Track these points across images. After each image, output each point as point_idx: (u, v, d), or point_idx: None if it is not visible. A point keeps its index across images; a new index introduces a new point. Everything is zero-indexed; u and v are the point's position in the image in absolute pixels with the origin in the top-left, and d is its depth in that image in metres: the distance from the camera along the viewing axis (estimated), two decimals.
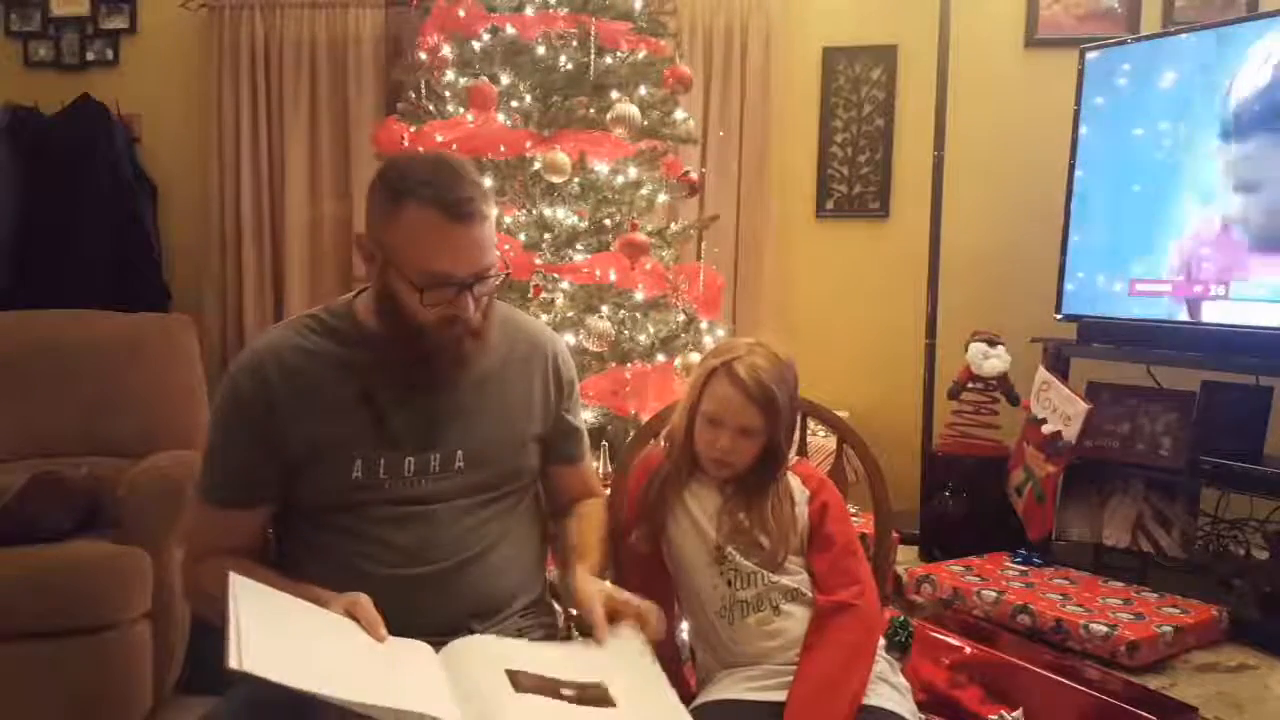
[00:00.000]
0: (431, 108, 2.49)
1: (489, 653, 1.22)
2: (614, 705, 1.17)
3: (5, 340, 2.81)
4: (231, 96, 3.63)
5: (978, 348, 2.98)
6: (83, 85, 3.66)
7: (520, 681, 1.15)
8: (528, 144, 2.31)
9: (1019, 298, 3.17)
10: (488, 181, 2.26)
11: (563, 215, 2.35)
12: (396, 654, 1.17)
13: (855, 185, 3.54)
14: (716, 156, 3.46)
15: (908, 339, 3.30)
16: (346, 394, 1.32)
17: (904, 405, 3.28)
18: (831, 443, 1.94)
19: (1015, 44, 3.37)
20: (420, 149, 2.32)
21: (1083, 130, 2.92)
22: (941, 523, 2.96)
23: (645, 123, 2.42)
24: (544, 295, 2.31)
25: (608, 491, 1.61)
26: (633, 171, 2.42)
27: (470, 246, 1.25)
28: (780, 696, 1.35)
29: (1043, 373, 2.76)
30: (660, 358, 2.35)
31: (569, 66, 2.41)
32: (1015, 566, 2.64)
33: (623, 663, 1.25)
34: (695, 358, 2.36)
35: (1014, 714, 1.98)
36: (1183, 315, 2.65)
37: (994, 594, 2.41)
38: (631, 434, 1.85)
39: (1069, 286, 2.94)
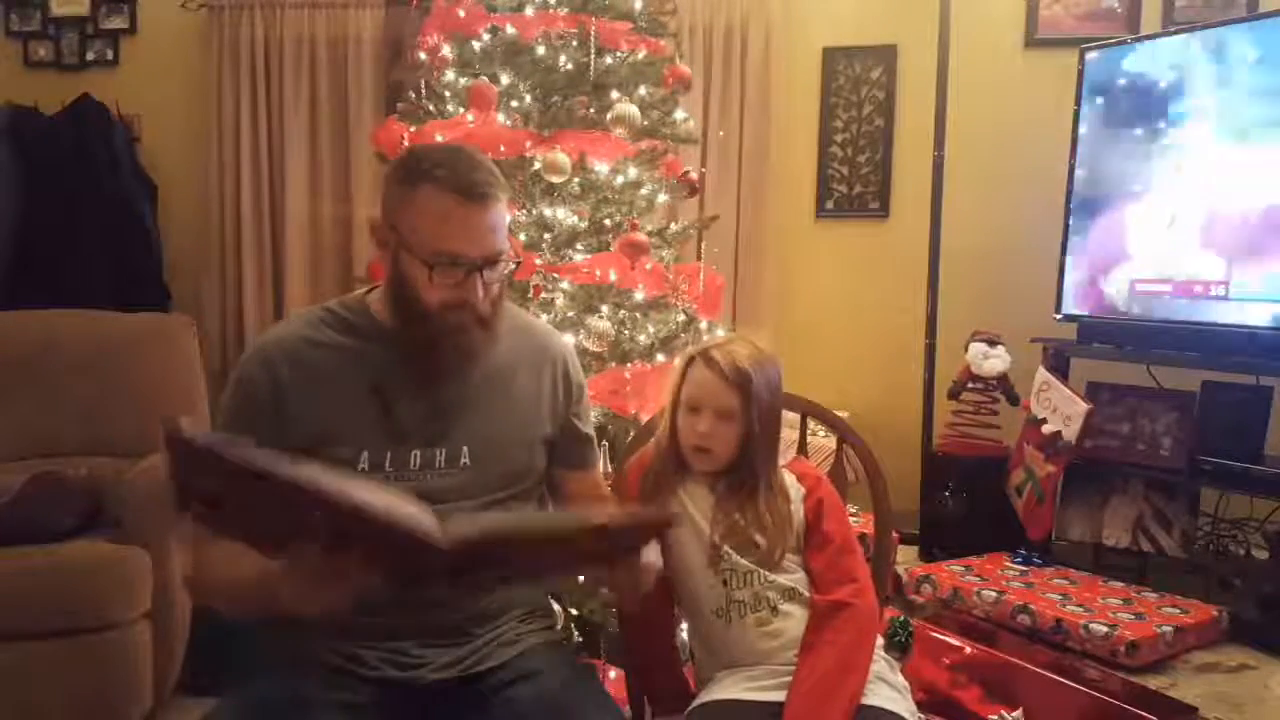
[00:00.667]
0: (431, 108, 2.49)
1: None
2: None
3: (5, 340, 2.81)
4: (231, 96, 3.63)
5: (978, 348, 2.98)
6: (83, 85, 3.66)
7: None
8: (528, 144, 2.31)
9: (1019, 298, 3.16)
10: None
11: (563, 215, 2.35)
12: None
13: (855, 185, 3.54)
14: (716, 156, 3.46)
15: (908, 339, 3.30)
16: (355, 386, 1.32)
17: (904, 405, 3.28)
18: (831, 443, 1.94)
19: (1015, 44, 3.37)
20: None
21: (1083, 130, 2.91)
22: (941, 523, 2.96)
23: (645, 123, 2.41)
24: (544, 295, 2.31)
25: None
26: (633, 171, 2.42)
27: (482, 228, 1.27)
28: (780, 696, 1.35)
29: (1043, 373, 2.76)
30: (660, 358, 2.34)
31: (569, 66, 2.41)
32: (1015, 566, 2.64)
33: None
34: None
35: (1014, 714, 1.98)
36: (1182, 315, 2.65)
37: (994, 594, 2.41)
38: (632, 434, 1.85)
39: (1069, 286, 2.94)
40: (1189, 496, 2.64)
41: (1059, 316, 2.96)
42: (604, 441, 2.30)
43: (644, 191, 2.46)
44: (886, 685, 1.42)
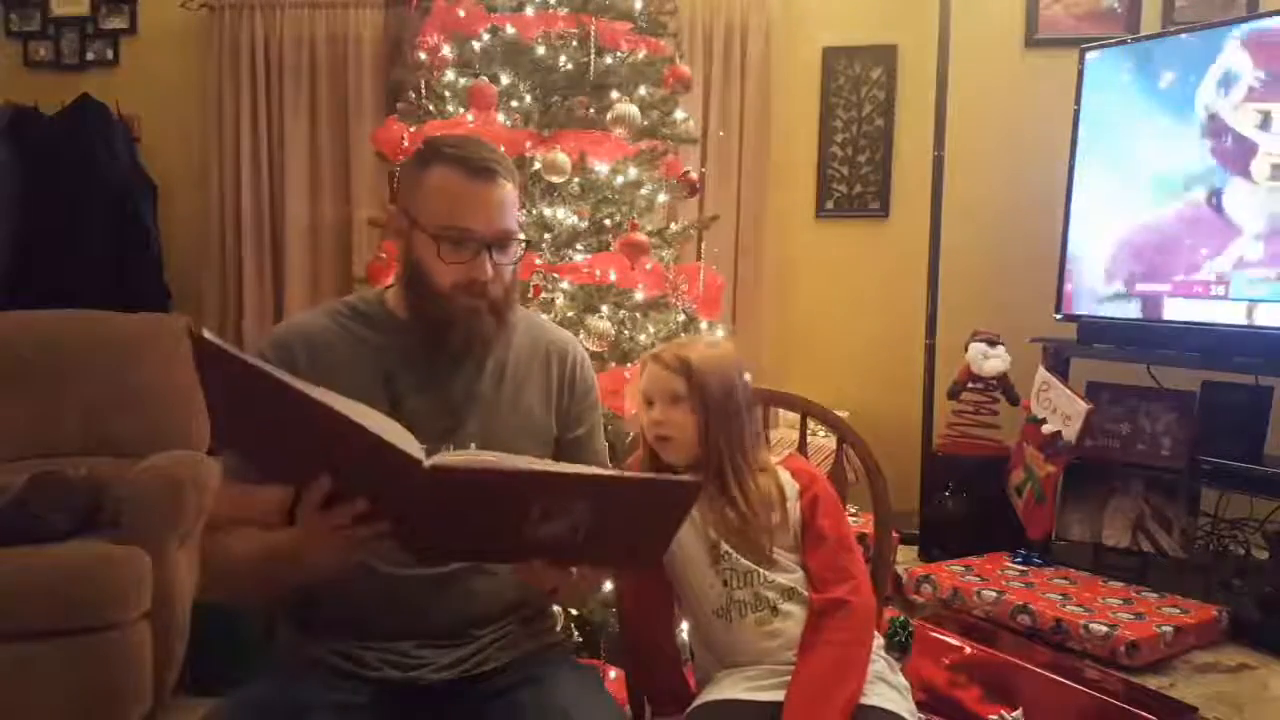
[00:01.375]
0: (431, 108, 2.49)
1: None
2: None
3: (5, 340, 2.82)
4: (231, 96, 3.63)
5: (978, 348, 2.97)
6: (83, 85, 3.66)
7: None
8: (528, 144, 2.31)
9: (1019, 298, 3.16)
10: None
11: (563, 215, 2.35)
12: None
13: (855, 185, 3.54)
14: (716, 156, 3.46)
15: (908, 339, 3.30)
16: (368, 376, 1.33)
17: (904, 405, 3.28)
18: (831, 443, 1.94)
19: (1015, 44, 3.37)
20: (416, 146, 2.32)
21: (1082, 130, 2.91)
22: (941, 523, 2.96)
23: (645, 123, 2.42)
24: (544, 295, 2.31)
25: None
26: (633, 171, 2.42)
27: (489, 204, 1.30)
28: (779, 696, 1.35)
29: (1043, 373, 2.76)
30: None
31: (569, 66, 2.41)
32: (1015, 566, 2.64)
33: None
34: None
35: (1014, 714, 1.98)
36: (1182, 315, 2.64)
37: (994, 594, 2.41)
38: (631, 435, 1.85)
39: (1069, 286, 2.94)
40: (1189, 496, 2.64)
41: (1059, 316, 2.96)
42: (604, 442, 2.30)
43: (644, 191, 2.47)
44: (886, 685, 1.42)
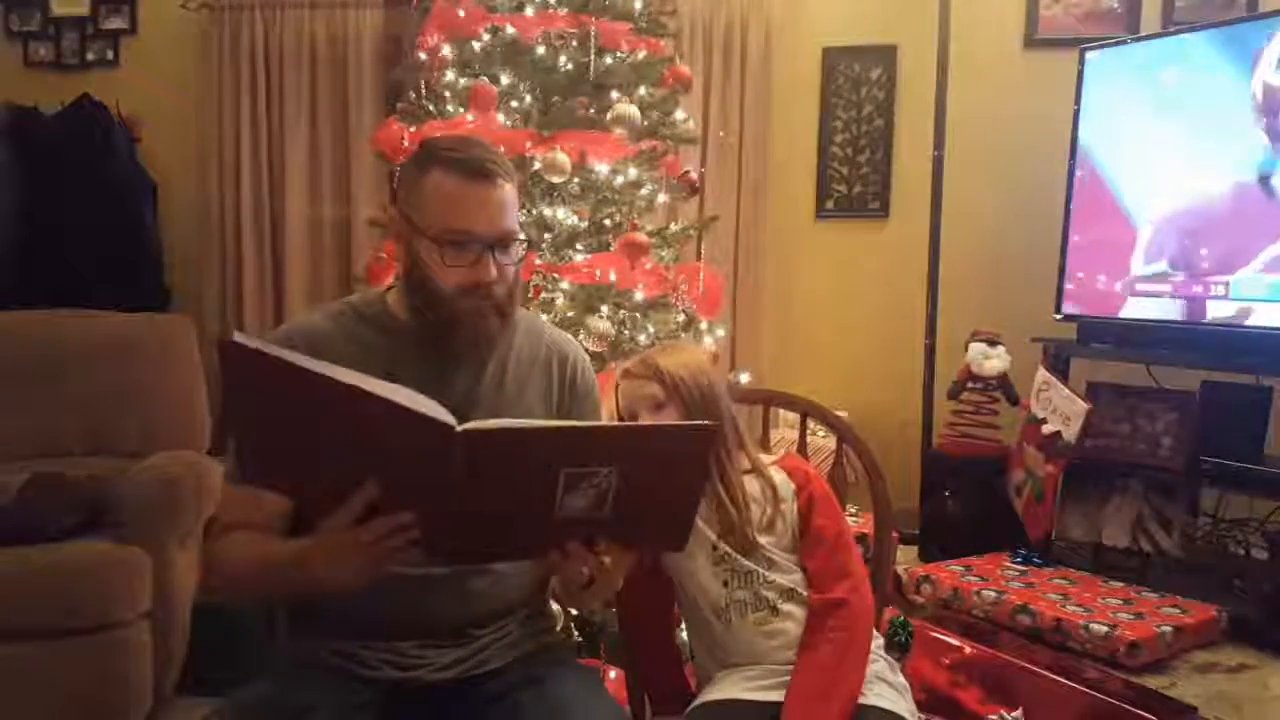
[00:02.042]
0: (431, 108, 2.49)
1: None
2: None
3: (5, 340, 2.81)
4: (231, 96, 3.63)
5: (978, 348, 2.98)
6: (83, 85, 3.66)
7: None
8: (528, 144, 2.31)
9: (1019, 298, 3.17)
10: None
11: (563, 215, 2.35)
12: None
13: (855, 185, 3.54)
14: (716, 156, 3.46)
15: (908, 339, 3.30)
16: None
17: (904, 405, 3.28)
18: (831, 443, 1.94)
19: (1015, 44, 3.37)
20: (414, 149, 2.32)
21: (1082, 130, 2.92)
22: (941, 523, 2.96)
23: (645, 123, 2.42)
24: (544, 295, 2.31)
25: None
26: (633, 171, 2.42)
27: (490, 205, 1.29)
28: (779, 696, 1.35)
29: (1043, 373, 2.76)
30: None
31: (569, 67, 2.41)
32: (1015, 566, 2.64)
33: None
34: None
35: (1014, 714, 1.98)
36: (1183, 315, 2.65)
37: (994, 594, 2.41)
38: None
39: (1069, 286, 2.94)
40: (1189, 496, 2.65)
41: (1059, 316, 2.96)
42: None
43: (644, 191, 2.46)
44: (886, 685, 1.42)
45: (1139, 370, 2.78)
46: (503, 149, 2.27)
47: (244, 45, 3.62)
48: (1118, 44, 2.89)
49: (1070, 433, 2.59)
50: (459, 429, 1.02)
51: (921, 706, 1.58)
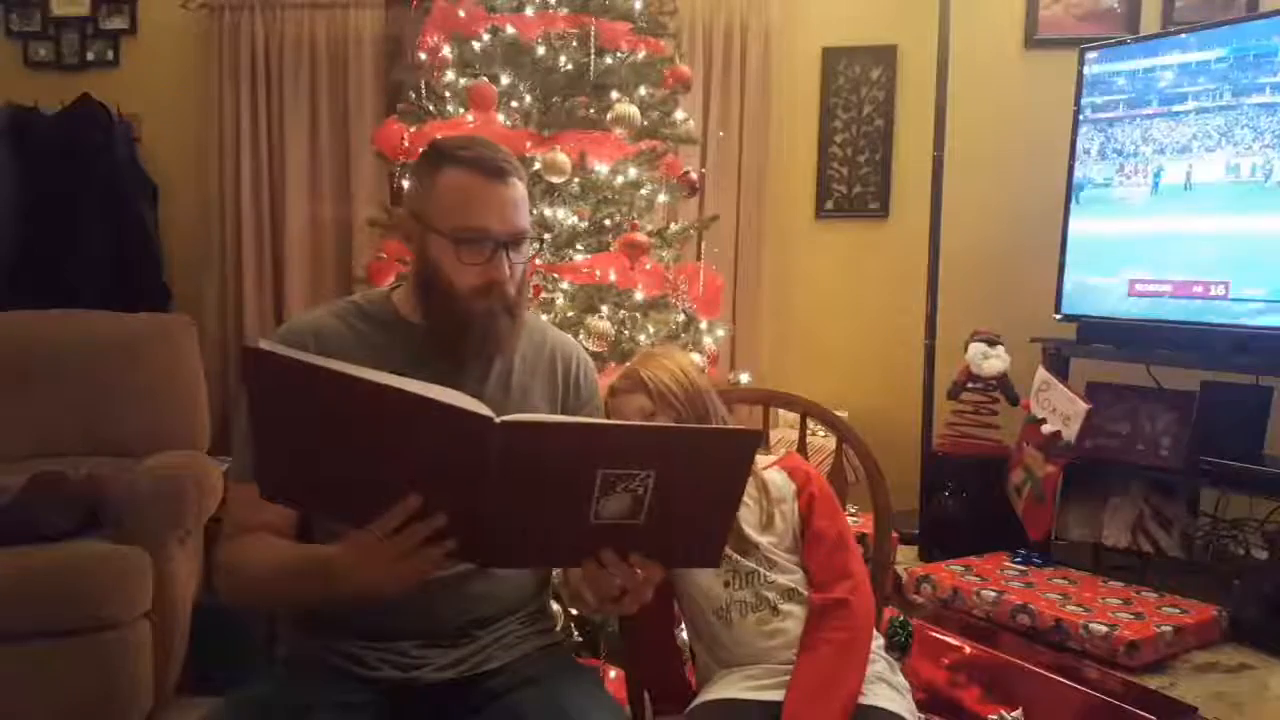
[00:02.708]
0: (431, 108, 2.49)
1: None
2: None
3: (5, 340, 2.82)
4: (231, 96, 3.63)
5: (977, 348, 2.98)
6: (83, 85, 3.66)
7: None
8: (528, 144, 2.31)
9: (1019, 298, 3.17)
10: None
11: (563, 215, 2.35)
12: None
13: (855, 185, 3.54)
14: (716, 156, 3.45)
15: (908, 339, 3.30)
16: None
17: (904, 405, 3.28)
18: (831, 443, 1.94)
19: (1015, 44, 3.37)
20: (421, 149, 2.32)
21: (1082, 130, 2.92)
22: (941, 523, 2.96)
23: (645, 123, 2.42)
24: (544, 295, 2.31)
25: None
26: (633, 171, 2.42)
27: (504, 204, 1.30)
28: (779, 696, 1.35)
29: (1042, 373, 2.76)
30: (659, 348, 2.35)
31: (569, 67, 2.41)
32: (1015, 566, 2.64)
33: None
34: (695, 358, 2.37)
35: (1014, 714, 1.98)
36: (1182, 315, 2.65)
37: (994, 594, 2.41)
38: None
39: (1069, 286, 2.94)
40: (1189, 496, 2.64)
41: (1059, 316, 2.96)
42: None
43: (644, 191, 2.46)
44: (886, 685, 1.42)
45: (1139, 370, 2.77)
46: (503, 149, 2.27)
47: (244, 45, 3.62)
48: (1118, 44, 2.89)
49: (1070, 433, 2.59)
50: (499, 420, 1.00)
51: (921, 706, 1.58)
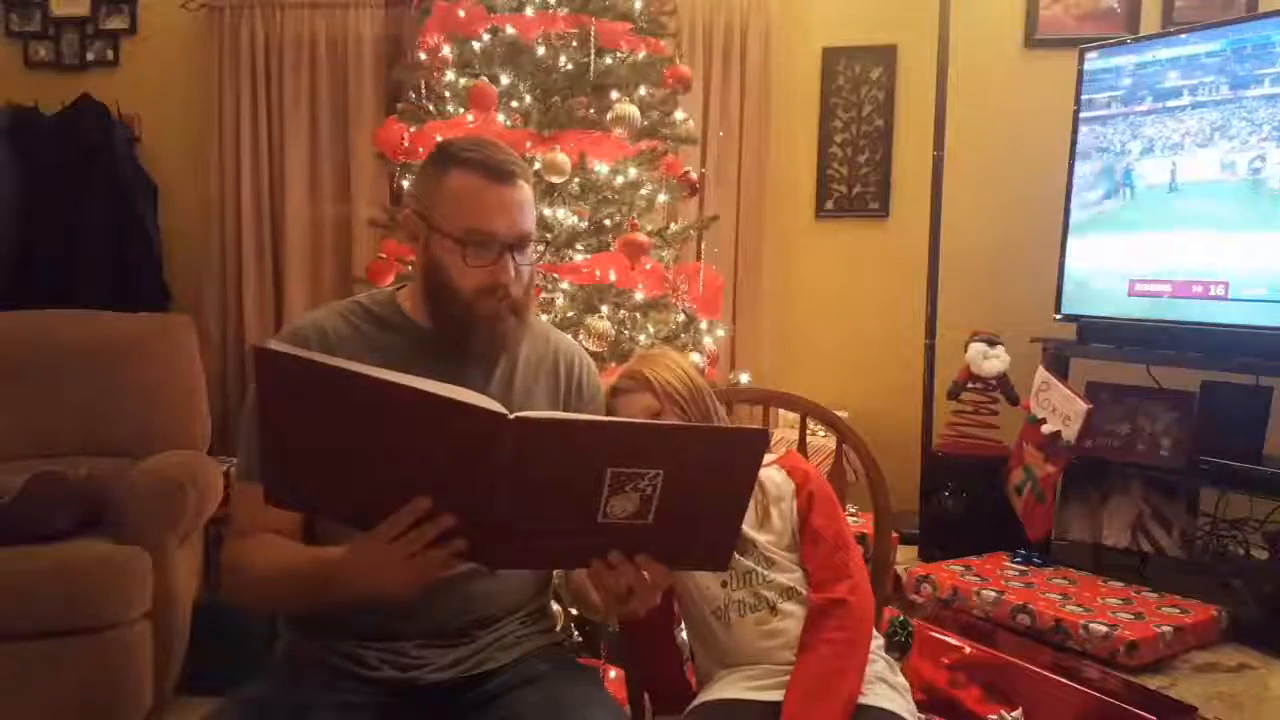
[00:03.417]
0: (431, 108, 2.49)
1: None
2: None
3: (5, 340, 2.81)
4: (232, 96, 3.63)
5: (977, 348, 2.98)
6: (83, 85, 3.66)
7: None
8: (528, 144, 2.31)
9: (1019, 298, 3.17)
10: None
11: (563, 215, 2.35)
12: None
13: (855, 185, 3.54)
14: (716, 156, 3.45)
15: (908, 339, 3.30)
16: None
17: (904, 405, 3.28)
18: (831, 443, 1.94)
19: (1015, 44, 3.37)
20: (421, 149, 2.32)
21: (1082, 130, 2.92)
22: (941, 523, 2.96)
23: (645, 123, 2.42)
24: (544, 295, 2.31)
25: None
26: (633, 171, 2.42)
27: (511, 206, 1.30)
28: (779, 696, 1.35)
29: (1042, 373, 2.76)
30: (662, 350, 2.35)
31: (569, 67, 2.41)
32: (1015, 566, 2.64)
33: None
34: (695, 358, 2.37)
35: (1014, 714, 1.99)
36: (1183, 315, 2.65)
37: (994, 594, 2.41)
38: None
39: (1069, 286, 2.94)
40: (1189, 496, 2.64)
41: (1059, 316, 2.96)
42: None
43: (644, 191, 2.47)
44: (886, 685, 1.42)
45: (1139, 370, 2.78)
46: None
47: (244, 45, 3.62)
48: (1117, 44, 2.89)
49: (1070, 433, 2.59)
50: (511, 416, 1.00)
51: (921, 706, 1.58)
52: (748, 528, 1.45)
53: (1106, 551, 2.71)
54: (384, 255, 2.44)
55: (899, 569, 2.67)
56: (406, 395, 1.00)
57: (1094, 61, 2.89)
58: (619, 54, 2.47)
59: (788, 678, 1.37)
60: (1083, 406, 2.57)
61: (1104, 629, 2.18)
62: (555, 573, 1.54)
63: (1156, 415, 2.68)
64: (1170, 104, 2.70)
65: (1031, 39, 3.36)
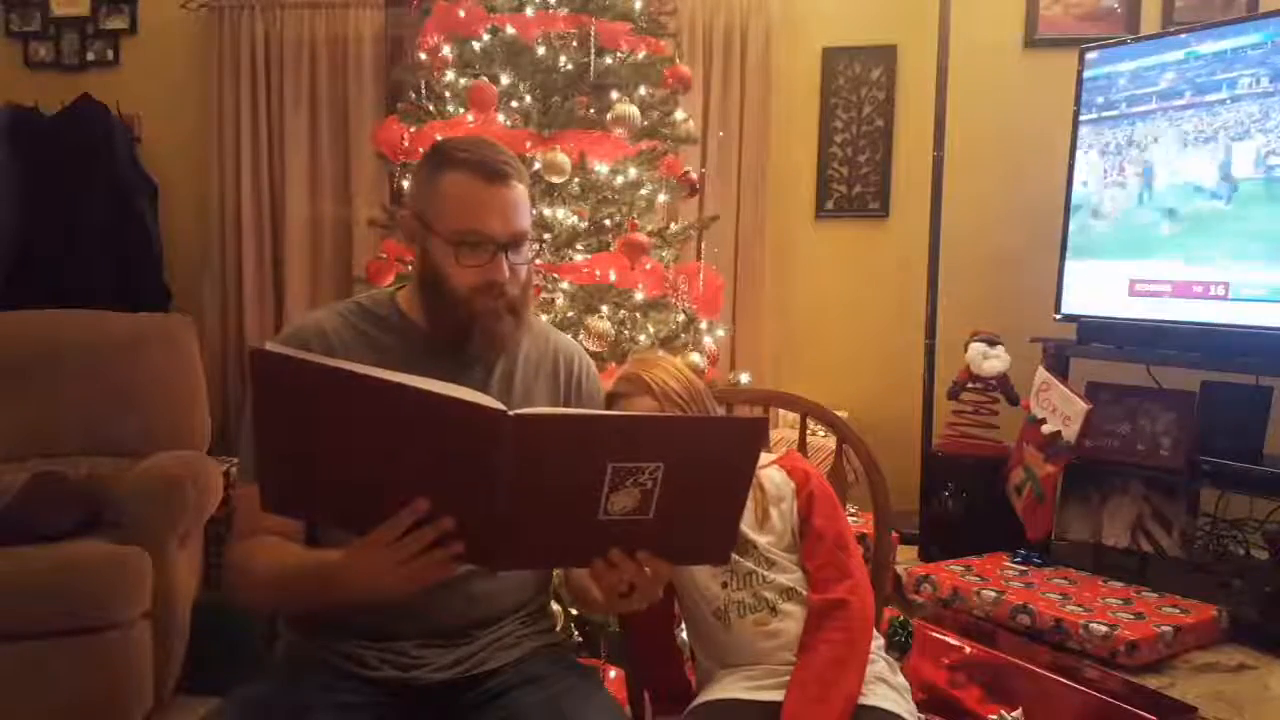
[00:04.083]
0: (431, 108, 2.49)
1: None
2: None
3: (5, 340, 2.82)
4: (232, 96, 3.63)
5: (977, 348, 2.98)
6: (83, 85, 3.66)
7: None
8: (528, 144, 2.31)
9: (1019, 298, 3.17)
10: None
11: (563, 215, 2.36)
12: None
13: (855, 185, 3.54)
14: (716, 156, 3.46)
15: (908, 339, 3.30)
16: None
17: (904, 405, 3.28)
18: (831, 443, 1.94)
19: (1015, 44, 3.37)
20: (421, 149, 2.32)
21: (1082, 130, 2.92)
22: (941, 523, 2.96)
23: (645, 123, 2.42)
24: (544, 295, 2.32)
25: None
26: (633, 171, 2.42)
27: (505, 206, 1.30)
28: (779, 696, 1.35)
29: (1042, 373, 2.76)
30: (661, 354, 2.35)
31: (569, 67, 2.41)
32: (1015, 566, 2.64)
33: None
34: (695, 358, 2.37)
35: (1014, 714, 1.99)
36: (1183, 315, 2.64)
37: (994, 594, 2.41)
38: None
39: (1068, 286, 2.94)
40: (1189, 496, 2.64)
41: (1059, 316, 2.96)
42: None
43: (644, 191, 2.47)
44: (886, 685, 1.42)
45: (1139, 370, 2.77)
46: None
47: (244, 45, 3.62)
48: (1118, 44, 2.89)
49: (1070, 433, 2.59)
50: (511, 413, 1.00)
51: (921, 706, 1.58)
52: (748, 529, 1.45)
53: (1106, 551, 2.71)
54: (384, 255, 2.45)
55: (899, 569, 2.67)
56: (405, 395, 1.00)
57: (1094, 62, 2.89)
58: (619, 54, 2.47)
59: (788, 678, 1.37)
60: (1083, 406, 2.57)
61: (1104, 629, 2.18)
62: (555, 573, 1.54)
63: (1156, 415, 2.67)
64: (1169, 102, 2.69)
65: (1031, 39, 3.35)
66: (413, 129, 2.42)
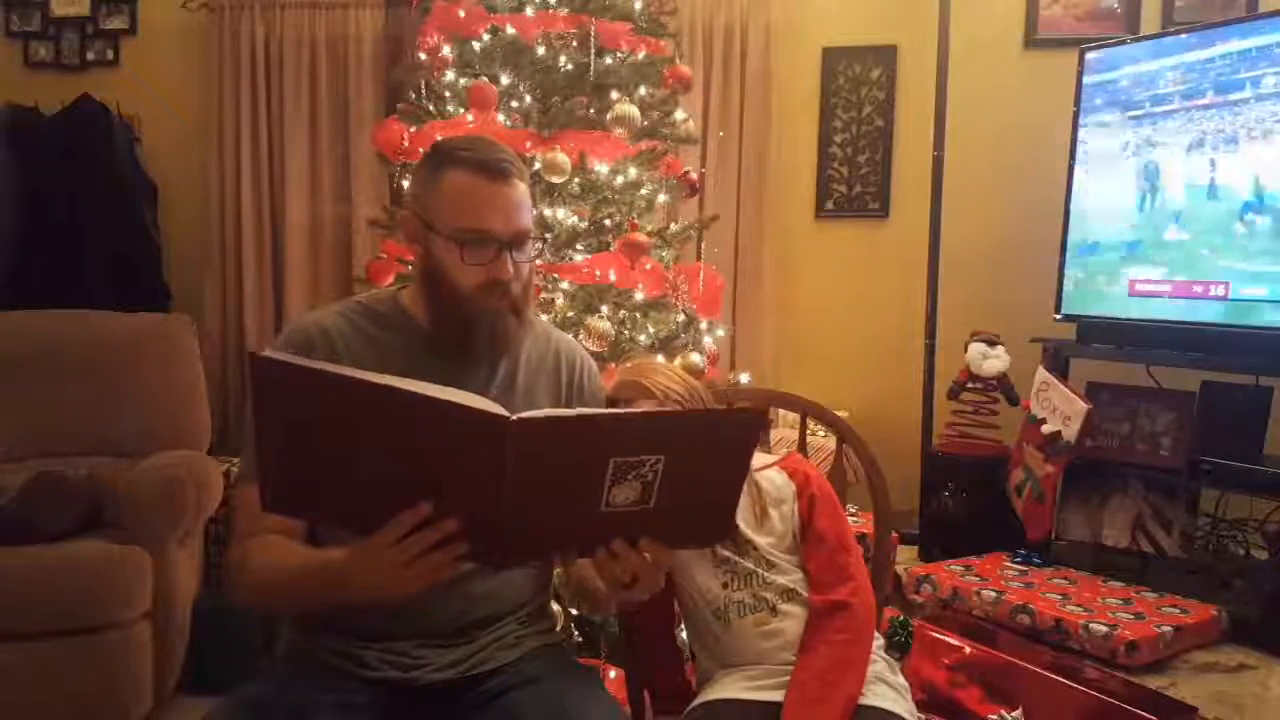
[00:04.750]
0: (431, 108, 2.49)
1: None
2: None
3: (5, 340, 2.82)
4: (232, 96, 3.63)
5: (977, 348, 2.97)
6: (83, 85, 3.65)
7: None
8: (528, 144, 2.31)
9: (1019, 298, 3.16)
10: None
11: (563, 215, 2.36)
12: None
13: (855, 185, 3.54)
14: (716, 156, 3.45)
15: (908, 339, 3.30)
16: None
17: (904, 405, 3.28)
18: (831, 443, 1.94)
19: (1015, 44, 3.37)
20: (421, 149, 2.32)
21: (1082, 130, 2.92)
22: (941, 523, 2.96)
23: (645, 123, 2.42)
24: (544, 295, 2.32)
25: None
26: (633, 171, 2.42)
27: (507, 204, 1.30)
28: (778, 696, 1.35)
29: (1042, 373, 2.76)
30: (660, 358, 2.35)
31: (569, 67, 2.41)
32: (1015, 566, 2.64)
33: None
34: (695, 358, 2.37)
35: (1014, 714, 1.98)
36: (1183, 315, 2.64)
37: (994, 594, 2.41)
38: None
39: (1069, 286, 2.94)
40: (1189, 496, 2.64)
41: (1059, 316, 2.96)
42: None
43: (644, 191, 2.47)
44: (886, 685, 1.42)
45: (1139, 370, 2.77)
46: None
47: (244, 45, 3.62)
48: (1118, 44, 2.89)
49: (1070, 433, 2.59)
50: (513, 418, 1.00)
51: (921, 706, 1.58)
52: (748, 530, 1.45)
53: (1106, 551, 2.71)
54: (384, 255, 2.45)
55: (899, 569, 2.67)
56: (406, 400, 1.00)
57: (1094, 62, 2.89)
58: (619, 54, 2.47)
59: (787, 678, 1.37)
60: (1083, 406, 2.57)
61: (1104, 629, 2.18)
62: (555, 572, 1.54)
63: (1156, 415, 2.67)
64: (1169, 103, 2.69)
65: (1031, 39, 3.35)
66: (413, 129, 2.42)
